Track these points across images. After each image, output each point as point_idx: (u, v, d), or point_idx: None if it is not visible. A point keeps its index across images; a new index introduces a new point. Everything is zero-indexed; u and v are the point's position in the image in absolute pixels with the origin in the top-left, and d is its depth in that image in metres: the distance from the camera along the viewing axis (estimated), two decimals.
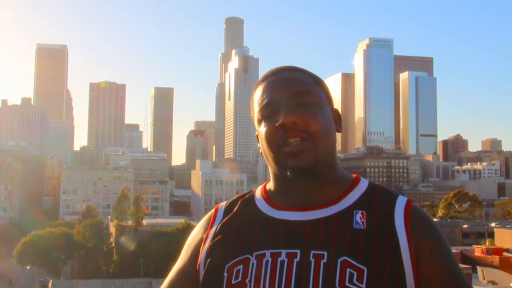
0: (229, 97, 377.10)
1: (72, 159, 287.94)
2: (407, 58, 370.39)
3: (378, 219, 1.51)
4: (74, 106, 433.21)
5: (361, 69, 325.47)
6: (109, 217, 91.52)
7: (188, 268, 1.62)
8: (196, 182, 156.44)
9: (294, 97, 1.53)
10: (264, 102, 1.57)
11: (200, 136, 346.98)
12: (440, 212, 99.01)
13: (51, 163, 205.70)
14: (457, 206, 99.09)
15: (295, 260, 1.45)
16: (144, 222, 76.43)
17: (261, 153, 1.61)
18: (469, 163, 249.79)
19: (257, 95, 1.61)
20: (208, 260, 1.56)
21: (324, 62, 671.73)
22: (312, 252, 1.45)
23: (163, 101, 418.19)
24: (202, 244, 1.63)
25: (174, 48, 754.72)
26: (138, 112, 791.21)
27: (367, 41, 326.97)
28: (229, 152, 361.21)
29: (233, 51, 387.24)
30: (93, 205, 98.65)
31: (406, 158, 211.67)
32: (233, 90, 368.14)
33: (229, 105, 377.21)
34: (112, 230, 76.44)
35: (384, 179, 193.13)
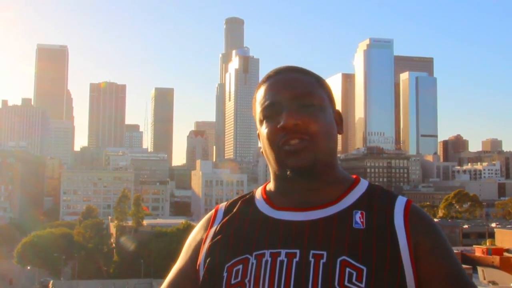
0: (230, 97, 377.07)
1: (72, 160, 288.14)
2: (407, 58, 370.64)
3: (378, 219, 1.51)
4: (74, 107, 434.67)
5: (361, 69, 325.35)
6: (109, 217, 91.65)
7: (188, 268, 1.63)
8: (197, 183, 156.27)
9: (296, 99, 1.55)
10: (266, 103, 1.58)
11: (201, 137, 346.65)
12: (440, 213, 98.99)
13: (51, 164, 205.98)
14: (457, 207, 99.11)
15: (295, 260, 1.45)
16: (145, 222, 76.44)
17: (262, 152, 1.63)
18: (469, 164, 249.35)
19: (259, 95, 1.63)
20: (207, 260, 1.57)
21: (324, 62, 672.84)
22: (312, 252, 1.46)
23: (164, 101, 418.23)
24: (202, 244, 1.63)
25: (174, 49, 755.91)
26: (139, 113, 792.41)
27: (367, 42, 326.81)
28: (229, 152, 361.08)
29: (234, 52, 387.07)
30: (94, 206, 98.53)
31: (407, 159, 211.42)
32: (234, 90, 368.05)
33: (230, 106, 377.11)
34: (113, 230, 76.53)
35: (385, 179, 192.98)
